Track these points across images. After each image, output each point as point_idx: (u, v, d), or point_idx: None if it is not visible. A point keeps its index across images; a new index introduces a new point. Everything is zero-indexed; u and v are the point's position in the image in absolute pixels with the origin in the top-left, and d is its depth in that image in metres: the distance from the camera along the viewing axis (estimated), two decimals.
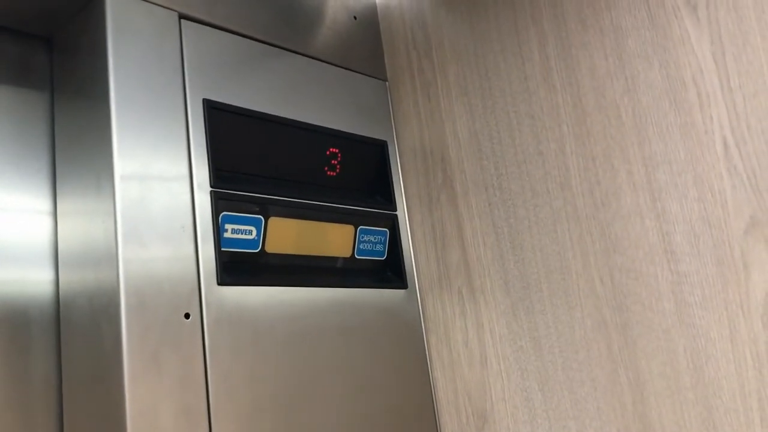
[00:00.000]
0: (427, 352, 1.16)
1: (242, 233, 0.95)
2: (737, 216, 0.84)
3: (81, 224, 0.90)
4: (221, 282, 0.90)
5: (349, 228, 1.10)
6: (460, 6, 1.17)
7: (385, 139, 1.22)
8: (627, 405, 0.92)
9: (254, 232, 0.97)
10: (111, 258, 0.82)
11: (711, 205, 0.86)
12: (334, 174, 1.12)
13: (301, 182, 1.07)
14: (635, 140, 0.93)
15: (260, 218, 0.98)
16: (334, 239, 1.08)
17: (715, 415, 0.84)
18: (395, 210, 1.19)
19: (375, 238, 1.14)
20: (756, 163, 0.82)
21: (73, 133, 0.94)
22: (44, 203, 0.96)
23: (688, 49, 0.89)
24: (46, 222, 0.96)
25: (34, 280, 0.93)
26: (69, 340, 0.90)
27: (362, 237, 1.12)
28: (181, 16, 0.97)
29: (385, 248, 1.16)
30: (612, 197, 0.95)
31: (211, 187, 0.92)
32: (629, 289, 0.93)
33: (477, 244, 1.11)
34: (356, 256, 1.11)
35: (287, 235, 1.01)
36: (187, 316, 0.85)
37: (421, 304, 1.18)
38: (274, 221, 0.99)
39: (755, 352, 0.81)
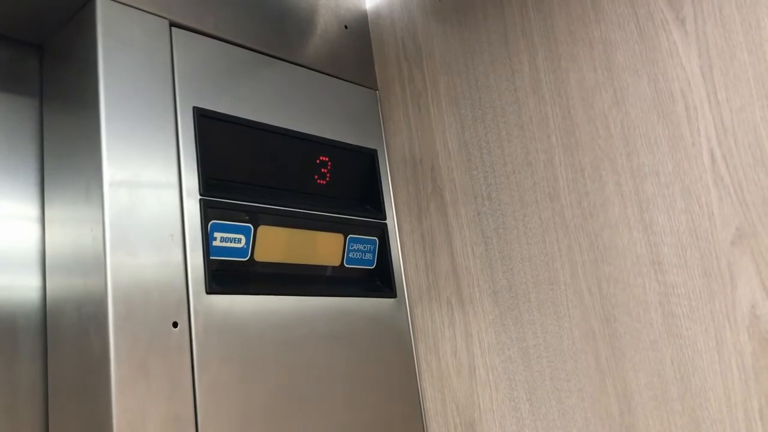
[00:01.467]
0: (415, 362, 1.16)
1: (231, 241, 0.95)
2: (724, 228, 0.84)
3: (69, 231, 0.89)
4: (210, 291, 0.90)
5: (339, 237, 1.10)
6: (451, 17, 1.18)
7: (375, 148, 1.22)
8: (614, 415, 0.92)
9: (243, 241, 0.97)
10: (99, 265, 0.82)
11: (698, 216, 0.87)
12: (324, 182, 1.12)
13: (290, 191, 1.07)
14: (623, 152, 0.94)
15: (249, 226, 0.98)
16: (324, 248, 1.08)
17: (701, 425, 0.85)
18: (385, 219, 1.19)
19: (364, 247, 1.14)
20: (743, 176, 0.83)
21: (62, 139, 0.94)
22: (32, 210, 0.96)
23: (676, 63, 0.90)
24: (34, 229, 0.95)
25: (21, 287, 0.93)
26: (56, 347, 0.89)
27: (351, 246, 1.12)
28: (172, 24, 0.97)
29: (374, 257, 1.16)
30: (600, 208, 0.96)
31: (201, 195, 0.92)
32: (617, 300, 0.93)
33: (466, 253, 1.12)
34: (345, 265, 1.11)
35: (276, 244, 1.01)
36: (175, 324, 0.85)
37: (410, 314, 1.18)
38: (263, 230, 0.99)
39: (741, 364, 0.82)
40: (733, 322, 0.83)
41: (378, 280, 1.17)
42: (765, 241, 0.81)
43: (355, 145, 1.18)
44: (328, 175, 1.13)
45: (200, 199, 0.92)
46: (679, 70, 0.90)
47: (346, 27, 1.26)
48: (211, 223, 0.92)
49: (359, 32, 1.29)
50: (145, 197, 0.87)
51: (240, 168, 1.01)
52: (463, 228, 1.12)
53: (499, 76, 1.09)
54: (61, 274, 0.91)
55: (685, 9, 0.90)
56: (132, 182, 0.86)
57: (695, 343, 0.86)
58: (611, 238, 0.94)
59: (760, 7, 0.83)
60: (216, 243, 0.93)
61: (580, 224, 0.98)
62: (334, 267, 1.10)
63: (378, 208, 1.19)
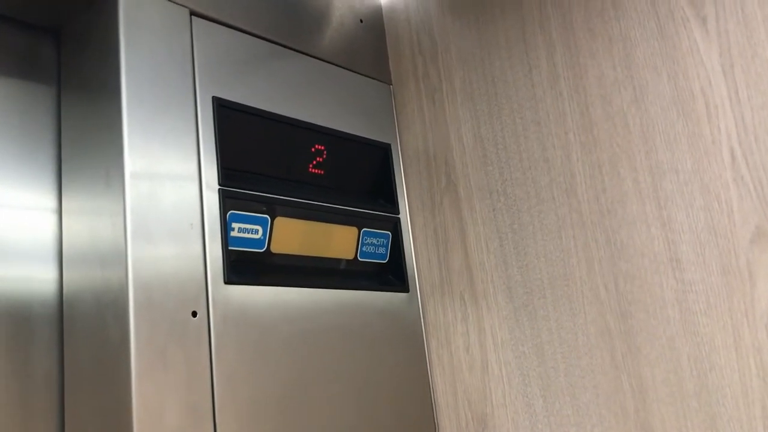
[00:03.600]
0: (427, 356, 1.16)
1: (249, 232, 0.95)
2: (743, 226, 0.85)
3: (87, 220, 0.89)
4: (228, 281, 0.89)
5: (353, 230, 1.10)
6: (467, 12, 1.18)
7: (388, 142, 1.22)
8: (629, 412, 0.93)
9: (260, 232, 0.96)
10: (120, 255, 0.81)
11: (717, 214, 0.87)
12: (339, 176, 1.12)
13: (306, 183, 1.07)
14: (642, 149, 0.94)
15: (266, 218, 0.97)
16: (338, 241, 1.08)
17: (718, 423, 0.85)
18: (398, 213, 1.19)
19: (378, 241, 1.14)
20: (763, 174, 0.83)
21: (80, 128, 0.94)
22: (49, 200, 0.95)
23: (696, 60, 0.90)
24: (50, 219, 0.95)
25: (38, 278, 0.92)
26: (72, 337, 0.89)
27: (365, 239, 1.12)
28: (192, 13, 0.96)
29: (387, 251, 1.16)
30: (618, 205, 0.96)
31: (219, 185, 0.92)
32: (634, 297, 0.93)
33: (480, 249, 1.12)
34: (359, 259, 1.11)
35: (292, 236, 1.01)
36: (194, 314, 0.84)
37: (423, 308, 1.18)
38: (280, 221, 0.99)
39: (759, 361, 0.82)
40: (751, 320, 0.83)
41: (390, 274, 1.17)
42: None
43: (369, 139, 1.18)
44: (342, 168, 1.12)
45: (219, 189, 0.92)
46: (699, 68, 0.90)
47: (361, 21, 1.26)
48: (229, 213, 0.92)
49: (374, 26, 1.29)
50: (165, 187, 0.86)
51: (258, 159, 1.00)
52: (478, 223, 1.12)
53: (516, 71, 1.09)
54: (79, 263, 0.90)
55: (706, 7, 0.90)
56: (152, 171, 0.86)
57: (713, 340, 0.86)
58: (629, 234, 0.94)
59: None
60: (234, 233, 0.92)
61: (597, 221, 0.98)
62: (347, 260, 1.10)
63: (391, 203, 1.19)
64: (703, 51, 0.90)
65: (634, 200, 0.94)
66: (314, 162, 1.08)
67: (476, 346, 1.11)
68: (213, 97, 0.95)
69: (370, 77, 1.24)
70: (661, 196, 0.92)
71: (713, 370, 0.86)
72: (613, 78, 0.98)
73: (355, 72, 1.21)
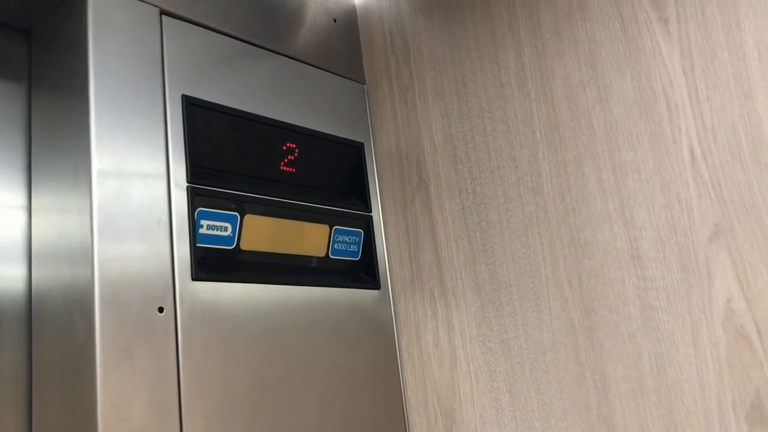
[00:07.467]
0: (398, 353, 1.17)
1: (218, 229, 0.96)
2: (702, 224, 0.86)
3: (57, 219, 0.90)
4: (195, 277, 0.90)
5: (324, 228, 1.11)
6: (439, 13, 1.19)
7: (361, 141, 1.23)
8: (592, 407, 0.94)
9: (230, 229, 0.97)
10: (86, 250, 0.82)
11: (677, 212, 0.89)
12: (311, 174, 1.13)
13: (277, 181, 1.08)
14: (606, 148, 0.96)
15: (236, 215, 0.98)
16: (309, 238, 1.09)
17: (676, 416, 0.87)
18: (370, 211, 1.20)
19: (349, 239, 1.15)
20: (721, 173, 0.85)
21: (50, 126, 0.94)
22: (19, 197, 0.96)
23: (659, 62, 0.92)
24: (20, 216, 0.95)
25: (7, 276, 0.92)
26: (41, 334, 0.90)
27: (337, 237, 1.13)
28: (162, 12, 0.97)
29: (359, 249, 1.17)
30: (582, 203, 0.97)
31: (188, 182, 0.93)
32: (597, 293, 0.95)
33: (450, 246, 1.13)
34: (330, 256, 1.12)
35: (262, 233, 1.02)
36: (160, 310, 0.85)
37: (394, 305, 1.19)
38: (249, 218, 1.00)
39: (716, 356, 0.84)
40: (709, 316, 0.85)
41: (362, 271, 1.18)
42: (741, 237, 0.83)
43: (342, 138, 1.19)
44: (314, 166, 1.13)
45: (188, 187, 0.92)
46: (661, 69, 0.92)
47: (335, 20, 1.27)
48: (197, 210, 0.93)
49: (348, 26, 1.30)
50: (132, 184, 0.87)
51: (227, 157, 1.01)
52: (447, 221, 1.14)
53: (485, 72, 1.11)
54: (48, 261, 0.91)
55: (668, 9, 0.91)
56: (120, 168, 0.86)
57: (672, 336, 0.88)
58: (592, 232, 0.96)
59: (741, 9, 0.85)
60: (202, 231, 0.93)
61: (562, 219, 0.99)
62: (319, 258, 1.11)
63: (363, 201, 1.20)
64: (665, 52, 0.92)
65: (597, 199, 0.96)
66: (285, 160, 1.09)
67: (445, 342, 1.12)
68: (183, 95, 0.96)
69: (343, 77, 1.25)
70: (624, 194, 0.94)
71: (672, 366, 0.87)
72: (578, 78, 1.00)
73: (328, 71, 1.22)
